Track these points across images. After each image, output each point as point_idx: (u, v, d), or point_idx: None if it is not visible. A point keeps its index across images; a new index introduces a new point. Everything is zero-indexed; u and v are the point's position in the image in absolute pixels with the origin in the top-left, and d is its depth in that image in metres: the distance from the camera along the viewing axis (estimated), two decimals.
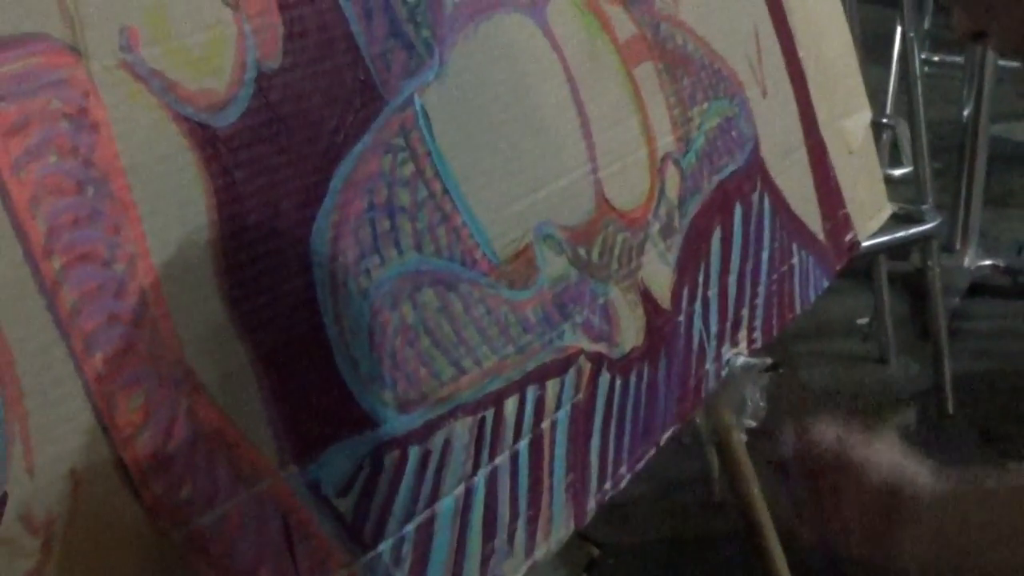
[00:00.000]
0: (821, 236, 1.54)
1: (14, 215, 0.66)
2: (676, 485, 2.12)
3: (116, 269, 0.71)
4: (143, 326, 0.72)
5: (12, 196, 0.67)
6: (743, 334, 1.36)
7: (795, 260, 1.47)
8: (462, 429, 0.96)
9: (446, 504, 0.95)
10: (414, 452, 0.92)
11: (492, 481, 0.99)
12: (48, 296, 0.67)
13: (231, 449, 0.77)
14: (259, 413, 0.79)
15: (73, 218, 0.69)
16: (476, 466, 0.98)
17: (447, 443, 0.95)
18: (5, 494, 0.65)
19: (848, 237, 1.61)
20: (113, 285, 0.71)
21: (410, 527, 0.91)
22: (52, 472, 0.67)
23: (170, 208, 0.75)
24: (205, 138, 0.78)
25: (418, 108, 0.95)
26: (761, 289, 1.40)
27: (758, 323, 1.38)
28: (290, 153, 0.84)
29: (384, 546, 0.89)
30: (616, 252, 1.16)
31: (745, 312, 1.37)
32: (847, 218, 1.61)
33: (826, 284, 1.54)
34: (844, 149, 1.61)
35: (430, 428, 0.93)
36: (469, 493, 0.97)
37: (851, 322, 2.68)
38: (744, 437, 1.36)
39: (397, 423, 0.90)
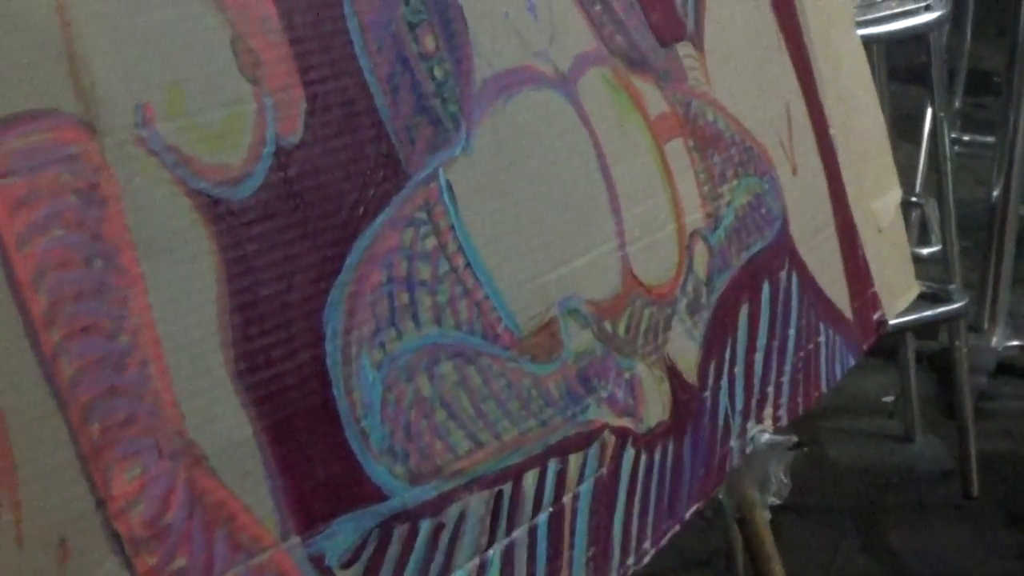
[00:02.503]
0: (849, 314, 1.53)
1: (16, 289, 0.68)
2: (698, 561, 2.10)
3: (120, 341, 0.72)
4: (143, 398, 0.73)
5: (15, 270, 0.68)
6: (768, 411, 1.35)
7: (822, 338, 1.46)
8: (478, 502, 0.96)
9: None
10: (425, 525, 0.92)
11: (508, 554, 0.99)
12: (46, 367, 0.68)
13: (230, 520, 0.77)
14: (262, 484, 0.79)
15: (77, 291, 0.70)
16: (492, 539, 0.98)
17: (461, 516, 0.95)
18: None
19: (876, 316, 1.60)
20: (115, 357, 0.72)
21: None
22: (41, 541, 0.68)
23: (178, 280, 0.76)
24: (218, 212, 0.79)
25: (443, 182, 0.96)
26: (787, 367, 1.39)
27: (783, 400, 1.38)
28: (306, 226, 0.85)
29: None
30: (643, 327, 1.16)
31: (771, 389, 1.36)
32: (875, 297, 1.60)
33: (853, 362, 1.53)
34: (874, 228, 1.60)
35: (443, 501, 0.93)
36: (483, 567, 0.97)
37: (877, 399, 2.66)
38: (768, 515, 1.35)
39: (408, 496, 0.90)
